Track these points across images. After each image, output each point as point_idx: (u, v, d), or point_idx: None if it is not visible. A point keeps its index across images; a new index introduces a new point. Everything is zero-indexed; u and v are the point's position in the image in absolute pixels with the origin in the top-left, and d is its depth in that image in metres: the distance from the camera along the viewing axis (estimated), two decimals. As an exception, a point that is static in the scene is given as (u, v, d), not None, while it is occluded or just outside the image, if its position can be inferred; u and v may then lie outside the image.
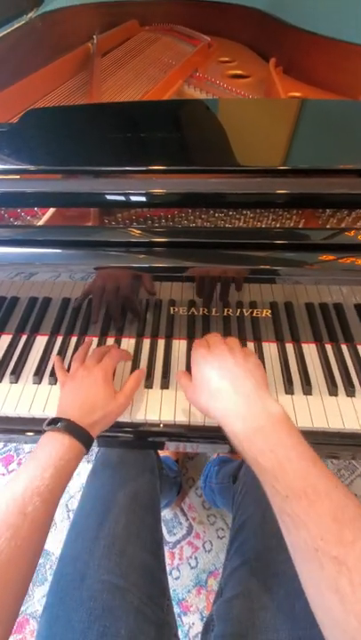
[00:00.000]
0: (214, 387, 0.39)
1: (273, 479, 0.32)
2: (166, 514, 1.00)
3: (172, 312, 0.53)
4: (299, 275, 0.45)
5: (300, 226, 0.49)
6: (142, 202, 0.47)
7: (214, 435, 0.50)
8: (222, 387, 0.38)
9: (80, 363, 0.50)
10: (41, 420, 0.51)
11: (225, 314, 0.53)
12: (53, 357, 0.54)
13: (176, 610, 0.85)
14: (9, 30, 0.84)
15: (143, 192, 0.46)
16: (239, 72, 0.85)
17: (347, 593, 0.25)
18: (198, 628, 0.84)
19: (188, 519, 0.99)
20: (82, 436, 0.41)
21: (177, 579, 0.90)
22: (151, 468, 0.60)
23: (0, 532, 0.31)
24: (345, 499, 0.29)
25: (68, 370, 0.51)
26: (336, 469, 1.07)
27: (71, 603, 0.42)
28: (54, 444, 0.39)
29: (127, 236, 0.45)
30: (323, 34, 0.78)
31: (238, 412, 0.36)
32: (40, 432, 0.52)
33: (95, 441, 0.44)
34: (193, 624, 0.85)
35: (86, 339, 0.56)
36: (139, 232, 0.45)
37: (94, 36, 0.89)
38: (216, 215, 0.50)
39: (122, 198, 0.47)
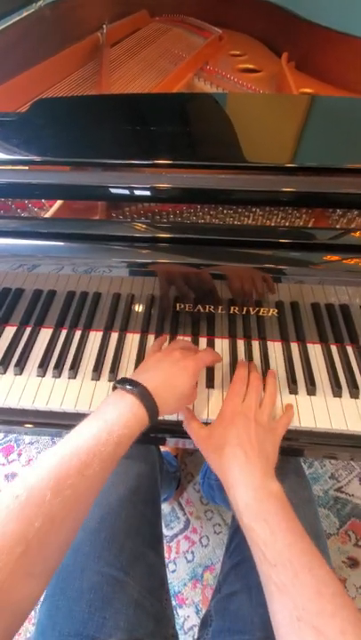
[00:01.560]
0: (230, 451, 0.41)
1: (263, 546, 0.34)
2: (164, 508, 1.01)
3: (177, 309, 0.53)
4: (303, 274, 0.45)
5: (309, 225, 0.48)
6: (150, 196, 0.47)
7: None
8: (236, 456, 0.40)
9: (178, 344, 0.50)
10: (44, 413, 0.51)
11: (230, 312, 0.53)
12: (57, 350, 0.54)
13: (172, 602, 0.86)
14: (17, 19, 0.82)
15: (151, 186, 0.45)
16: (250, 66, 0.84)
17: None
18: (193, 620, 0.86)
19: (185, 514, 1.00)
20: (152, 408, 0.40)
21: (173, 572, 0.91)
22: (152, 463, 0.61)
23: (61, 491, 0.30)
24: (327, 576, 0.32)
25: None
26: (334, 469, 1.07)
27: (72, 593, 0.42)
28: (123, 409, 0.38)
29: (134, 231, 0.45)
30: (337, 29, 0.77)
31: (244, 481, 0.38)
32: (41, 425, 0.53)
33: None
34: (188, 617, 0.86)
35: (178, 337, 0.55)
36: (146, 227, 0.45)
37: (104, 26, 0.88)
38: (225, 212, 0.50)
39: (131, 192, 0.47)
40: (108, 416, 0.37)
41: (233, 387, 0.47)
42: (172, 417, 0.49)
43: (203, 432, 0.45)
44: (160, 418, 0.49)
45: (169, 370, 0.44)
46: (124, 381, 0.41)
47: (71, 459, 0.32)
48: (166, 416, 0.49)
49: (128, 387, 0.40)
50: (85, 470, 0.32)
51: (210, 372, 0.52)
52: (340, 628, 0.28)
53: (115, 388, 0.41)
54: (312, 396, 0.49)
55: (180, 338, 0.56)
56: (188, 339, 0.56)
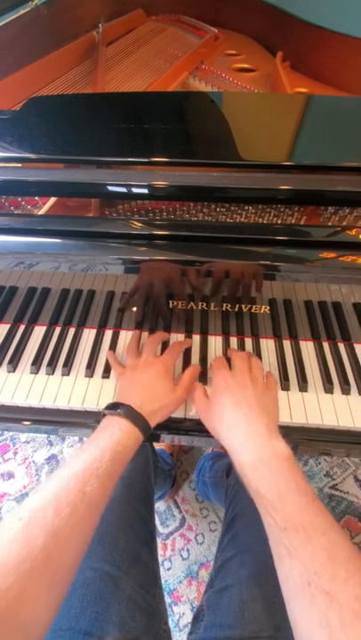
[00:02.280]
0: (228, 415, 0.41)
1: (272, 509, 0.33)
2: (160, 506, 1.01)
3: (170, 306, 0.53)
4: (299, 271, 0.45)
5: (301, 223, 0.48)
6: (144, 194, 0.47)
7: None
8: (236, 417, 0.40)
9: (135, 355, 0.50)
10: (38, 410, 0.52)
11: (223, 309, 0.53)
12: (50, 347, 0.55)
13: (167, 600, 0.86)
14: (13, 17, 0.82)
15: (145, 184, 0.46)
16: (245, 65, 0.84)
17: (336, 628, 0.26)
18: (188, 617, 0.86)
19: (181, 511, 1.00)
20: (141, 422, 0.41)
21: (169, 569, 0.92)
22: (145, 460, 0.61)
23: (61, 508, 0.31)
24: (340, 539, 0.31)
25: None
26: (329, 467, 1.08)
27: (64, 589, 0.42)
28: (113, 429, 0.40)
29: (128, 228, 0.45)
30: (331, 28, 0.77)
31: (247, 444, 0.38)
32: (36, 422, 0.53)
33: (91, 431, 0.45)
34: (183, 614, 0.86)
35: (134, 331, 0.55)
36: (140, 224, 0.45)
37: (100, 25, 0.88)
38: (218, 210, 0.50)
39: (124, 190, 0.47)
40: (101, 439, 0.39)
41: (215, 361, 0.48)
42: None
43: (203, 404, 0.46)
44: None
45: (143, 380, 0.46)
46: (110, 407, 0.42)
47: (70, 479, 0.34)
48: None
49: (114, 410, 0.41)
50: (84, 488, 0.33)
51: (204, 369, 0.52)
52: (354, 594, 0.27)
53: (103, 415, 0.43)
54: (304, 393, 0.50)
55: (173, 335, 0.56)
56: (182, 336, 0.56)
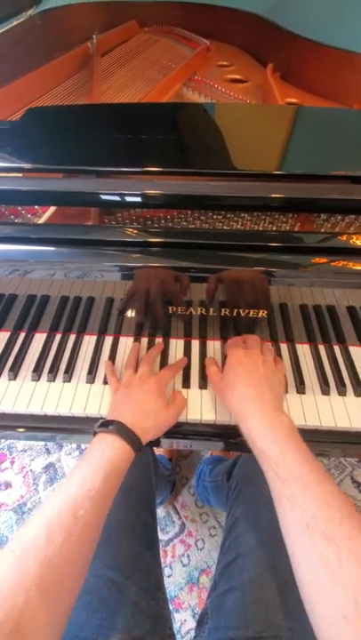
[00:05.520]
0: (240, 390, 0.44)
1: (275, 465, 0.36)
2: (159, 512, 1.00)
3: (170, 311, 0.54)
4: (293, 277, 0.47)
5: (295, 229, 0.50)
6: (141, 202, 0.48)
7: (209, 432, 0.51)
8: (247, 392, 0.44)
9: (132, 369, 0.51)
10: (38, 417, 0.52)
11: (222, 314, 0.54)
12: (51, 354, 0.55)
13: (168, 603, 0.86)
14: (7, 28, 0.83)
15: (142, 193, 0.47)
16: (237, 76, 0.87)
17: (334, 566, 0.28)
18: (190, 624, 0.85)
19: (180, 517, 1.00)
20: (132, 439, 0.41)
21: (169, 576, 0.91)
22: (146, 464, 0.61)
23: (53, 536, 0.31)
24: (335, 490, 0.34)
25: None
26: (326, 469, 1.09)
27: (68, 597, 0.42)
28: (105, 447, 0.40)
29: (126, 235, 0.46)
30: (320, 41, 0.80)
31: (254, 414, 0.41)
32: (35, 428, 0.53)
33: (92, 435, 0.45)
34: (185, 621, 0.86)
35: (134, 344, 0.56)
36: (137, 232, 0.46)
37: (94, 36, 0.89)
38: (214, 217, 0.52)
39: (121, 198, 0.48)
40: (92, 459, 0.39)
41: (231, 340, 0.52)
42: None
43: (216, 377, 0.49)
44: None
45: (136, 398, 0.46)
46: (102, 424, 0.43)
47: (61, 505, 0.34)
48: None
49: (105, 427, 0.42)
50: (77, 512, 0.33)
51: (203, 373, 0.53)
52: (348, 534, 0.30)
53: (95, 434, 0.43)
54: (302, 395, 0.51)
55: (172, 340, 0.57)
56: (181, 341, 0.57)
